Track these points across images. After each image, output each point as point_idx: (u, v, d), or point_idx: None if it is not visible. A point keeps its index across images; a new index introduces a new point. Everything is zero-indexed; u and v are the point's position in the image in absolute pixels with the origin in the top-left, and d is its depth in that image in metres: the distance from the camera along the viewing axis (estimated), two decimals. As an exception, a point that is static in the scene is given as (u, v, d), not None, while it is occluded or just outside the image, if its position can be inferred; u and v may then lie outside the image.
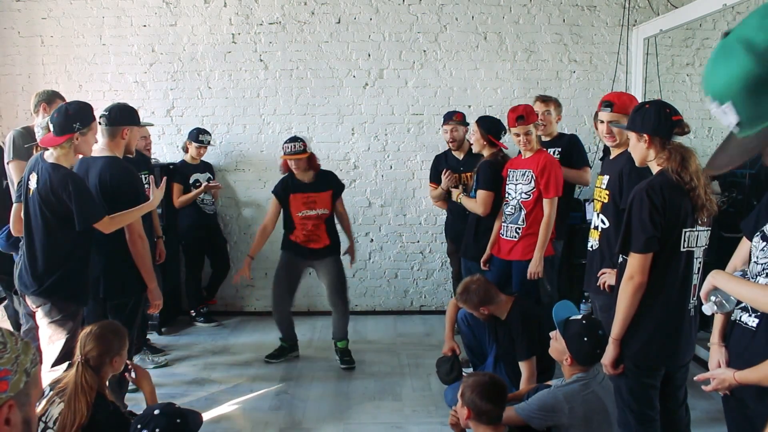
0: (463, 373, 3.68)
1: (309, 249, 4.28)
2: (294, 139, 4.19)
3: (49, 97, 3.87)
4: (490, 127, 4.07)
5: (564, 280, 5.14)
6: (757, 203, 4.19)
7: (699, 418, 3.32)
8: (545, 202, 3.75)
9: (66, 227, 2.94)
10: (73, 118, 2.92)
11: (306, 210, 4.22)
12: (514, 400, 2.91)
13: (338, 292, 4.37)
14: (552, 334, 2.73)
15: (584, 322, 2.65)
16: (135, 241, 3.17)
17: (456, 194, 4.30)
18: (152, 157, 5.09)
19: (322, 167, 4.42)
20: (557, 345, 2.69)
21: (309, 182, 4.25)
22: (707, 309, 2.00)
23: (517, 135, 3.79)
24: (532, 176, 3.77)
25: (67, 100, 3.92)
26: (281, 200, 4.27)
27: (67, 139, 2.93)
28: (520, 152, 3.93)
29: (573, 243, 4.99)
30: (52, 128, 2.94)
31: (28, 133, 3.73)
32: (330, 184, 4.28)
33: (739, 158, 0.97)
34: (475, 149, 4.19)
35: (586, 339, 2.59)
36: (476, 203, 4.05)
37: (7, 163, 3.84)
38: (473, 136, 4.15)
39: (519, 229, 3.83)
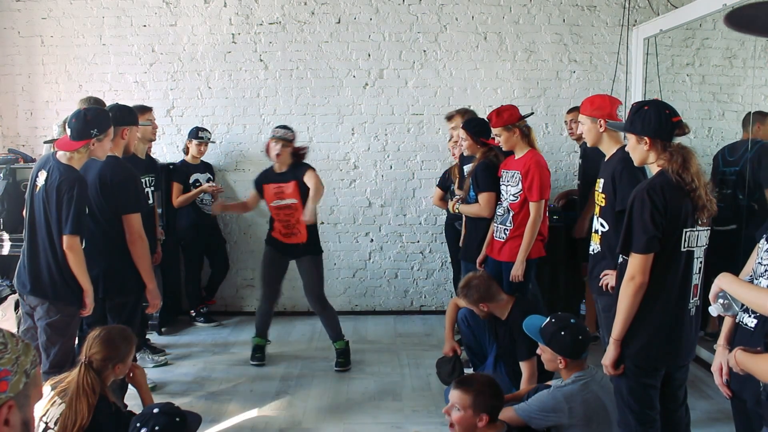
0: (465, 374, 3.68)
1: (287, 245, 4.26)
2: (285, 127, 4.24)
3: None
4: (479, 130, 4.03)
5: (565, 280, 5.16)
6: (743, 197, 4.31)
7: (699, 419, 3.33)
8: (531, 205, 3.69)
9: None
10: (91, 124, 2.93)
11: (277, 200, 4.22)
12: (514, 400, 2.92)
13: (312, 294, 4.33)
14: (538, 350, 2.77)
15: (553, 320, 2.74)
16: (135, 242, 3.18)
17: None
18: (152, 157, 5.10)
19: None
20: (546, 355, 2.74)
21: (280, 173, 4.23)
22: (714, 310, 2.01)
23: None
24: (519, 178, 3.73)
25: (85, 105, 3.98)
26: (258, 190, 4.34)
27: (83, 145, 2.93)
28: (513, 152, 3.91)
29: (573, 243, 4.99)
30: (69, 132, 2.95)
31: None
32: (296, 175, 4.17)
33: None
34: (467, 153, 4.15)
35: (563, 333, 2.65)
36: (480, 207, 3.97)
37: None
38: (465, 142, 4.08)
39: (507, 230, 3.80)
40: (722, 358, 2.10)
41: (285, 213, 4.21)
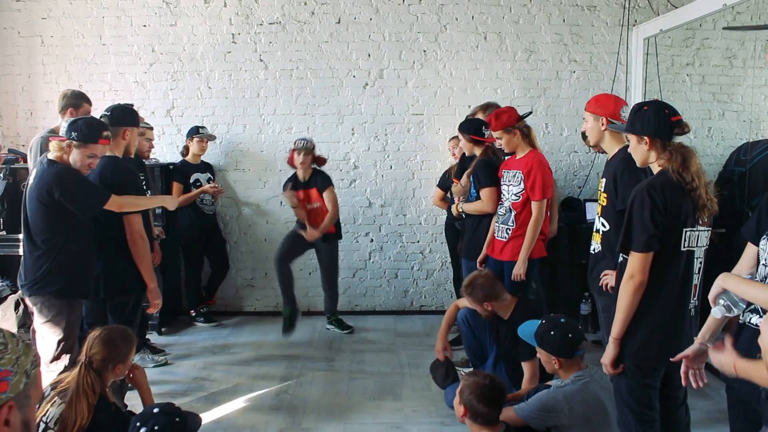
0: (462, 373, 3.68)
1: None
2: (305, 138, 4.84)
3: (77, 101, 3.96)
4: (470, 129, 4.11)
5: (565, 280, 5.16)
6: (742, 202, 4.18)
7: (699, 419, 3.33)
8: (533, 204, 3.72)
9: (58, 221, 2.94)
10: (100, 126, 3.04)
11: (306, 204, 4.82)
12: (514, 400, 2.92)
13: (328, 278, 5.02)
14: (538, 354, 2.79)
15: (544, 321, 2.77)
16: (136, 241, 3.17)
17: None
18: (152, 157, 5.10)
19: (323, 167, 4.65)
20: (542, 357, 2.76)
21: (304, 181, 4.84)
22: (717, 312, 1.98)
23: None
24: (521, 178, 3.75)
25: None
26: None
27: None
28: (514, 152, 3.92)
29: (574, 243, 5.00)
30: (75, 135, 2.96)
31: None
32: (317, 183, 4.83)
33: None
34: (468, 154, 4.24)
35: (552, 333, 2.68)
36: (482, 203, 4.01)
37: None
38: (462, 143, 4.24)
39: (509, 229, 3.81)
40: (690, 350, 2.15)
41: (313, 213, 4.84)
